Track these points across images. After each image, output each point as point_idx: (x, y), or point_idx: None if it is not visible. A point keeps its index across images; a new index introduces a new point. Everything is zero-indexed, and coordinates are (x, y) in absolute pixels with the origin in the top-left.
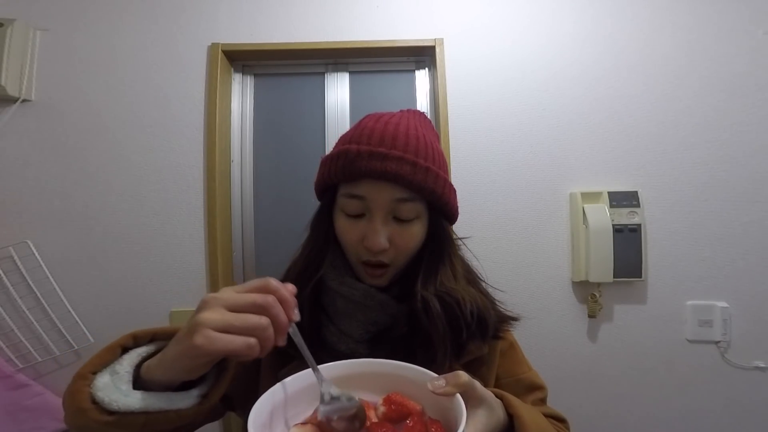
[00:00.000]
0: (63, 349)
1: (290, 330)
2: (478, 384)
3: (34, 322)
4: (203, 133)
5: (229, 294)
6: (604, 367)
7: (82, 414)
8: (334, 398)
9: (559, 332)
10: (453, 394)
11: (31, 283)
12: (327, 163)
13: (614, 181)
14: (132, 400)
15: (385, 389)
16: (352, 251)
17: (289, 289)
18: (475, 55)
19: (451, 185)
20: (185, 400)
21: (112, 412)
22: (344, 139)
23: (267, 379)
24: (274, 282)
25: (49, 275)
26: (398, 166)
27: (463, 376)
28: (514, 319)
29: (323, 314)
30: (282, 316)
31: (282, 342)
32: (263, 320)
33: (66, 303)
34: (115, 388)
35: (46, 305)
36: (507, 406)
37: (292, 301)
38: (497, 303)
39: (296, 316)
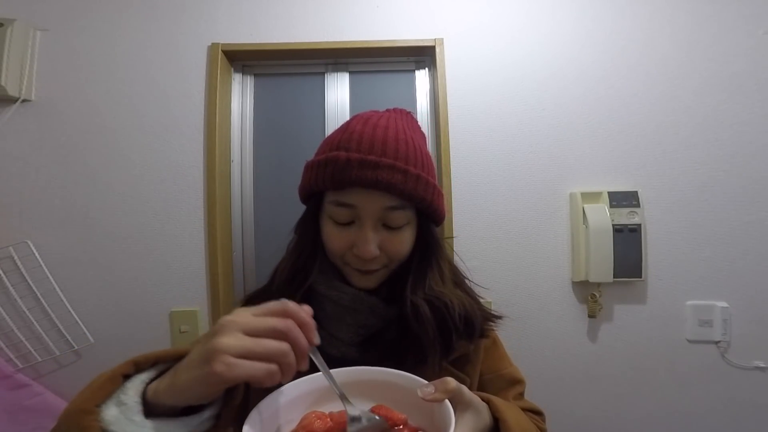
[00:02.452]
0: (63, 349)
1: (311, 354)
2: (465, 389)
3: (34, 322)
4: (203, 133)
5: (247, 318)
6: (604, 367)
7: None
8: (355, 419)
9: (559, 332)
10: (442, 400)
11: (31, 283)
12: (314, 168)
13: (614, 181)
14: (147, 430)
15: (375, 397)
16: (339, 257)
17: (306, 311)
18: (475, 55)
19: (439, 191)
20: (201, 424)
21: None
22: (332, 144)
23: (256, 393)
24: (292, 305)
25: (49, 275)
26: (390, 174)
27: (451, 382)
28: (498, 317)
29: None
30: (302, 340)
31: (304, 366)
32: (284, 346)
33: (66, 303)
34: (128, 421)
35: (46, 305)
36: (493, 411)
37: (311, 323)
38: (481, 299)
39: (317, 339)
